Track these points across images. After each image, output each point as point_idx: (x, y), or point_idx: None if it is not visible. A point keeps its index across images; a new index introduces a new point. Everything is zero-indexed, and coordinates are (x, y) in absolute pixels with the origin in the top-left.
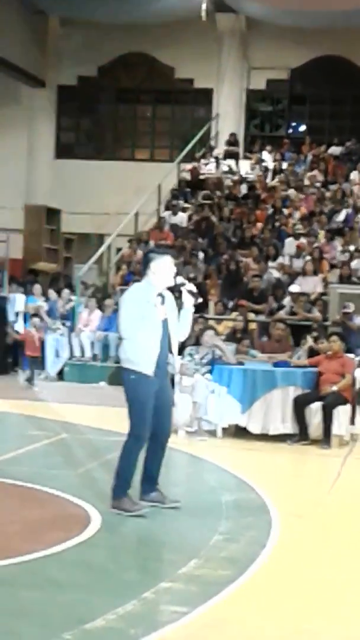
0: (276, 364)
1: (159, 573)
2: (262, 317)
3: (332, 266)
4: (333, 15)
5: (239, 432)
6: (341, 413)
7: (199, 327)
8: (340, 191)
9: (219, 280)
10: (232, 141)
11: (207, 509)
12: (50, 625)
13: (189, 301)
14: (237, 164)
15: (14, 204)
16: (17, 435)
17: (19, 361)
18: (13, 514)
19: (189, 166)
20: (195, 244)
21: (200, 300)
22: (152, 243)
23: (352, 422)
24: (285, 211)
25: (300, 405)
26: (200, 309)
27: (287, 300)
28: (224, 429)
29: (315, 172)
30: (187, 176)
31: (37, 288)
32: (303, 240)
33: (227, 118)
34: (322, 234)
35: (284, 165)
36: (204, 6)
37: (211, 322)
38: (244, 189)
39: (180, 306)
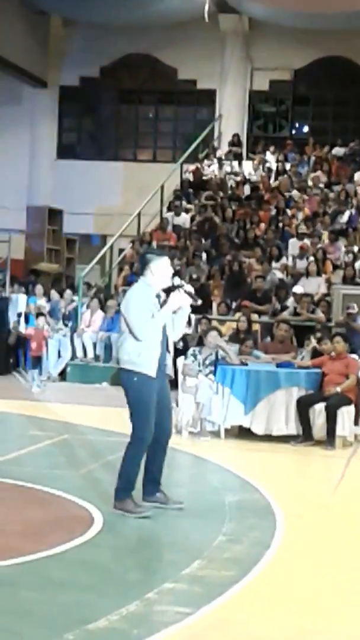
0: (280, 365)
1: (162, 574)
2: (265, 318)
3: (336, 267)
4: (336, 17)
5: (243, 432)
6: (345, 414)
7: (202, 328)
8: (344, 192)
9: (222, 281)
10: (235, 142)
11: (211, 509)
12: (53, 626)
13: (186, 302)
14: (240, 164)
15: (16, 205)
16: (19, 436)
17: (20, 362)
18: (15, 514)
19: (191, 167)
20: (198, 245)
21: (199, 301)
22: (154, 244)
23: (356, 423)
24: (289, 212)
25: (304, 406)
26: (203, 309)
27: (290, 301)
28: (227, 430)
29: (318, 173)
30: (190, 177)
31: (38, 289)
32: (306, 241)
33: (230, 119)
34: (325, 234)
35: (287, 166)
36: (206, 7)
37: (214, 323)
38: (247, 189)
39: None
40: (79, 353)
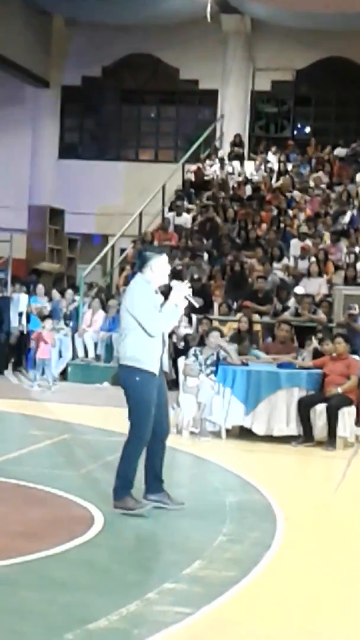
0: (281, 365)
1: (162, 574)
2: (266, 319)
3: (337, 267)
4: (338, 17)
5: (243, 433)
6: (346, 414)
7: (203, 328)
8: (346, 193)
9: (223, 281)
10: (237, 142)
11: (211, 510)
12: (53, 626)
13: (182, 300)
14: (241, 165)
15: (17, 204)
16: (19, 435)
17: (22, 361)
18: (16, 514)
19: (193, 167)
20: (199, 245)
21: (197, 305)
22: (156, 244)
23: (357, 423)
24: (290, 212)
25: (305, 407)
26: (204, 310)
27: (291, 302)
28: (228, 430)
29: (320, 173)
30: (192, 177)
31: (40, 288)
32: (308, 241)
33: (232, 119)
34: (327, 235)
35: (289, 167)
36: (209, 7)
37: (215, 324)
38: (248, 190)
39: None
40: (80, 353)
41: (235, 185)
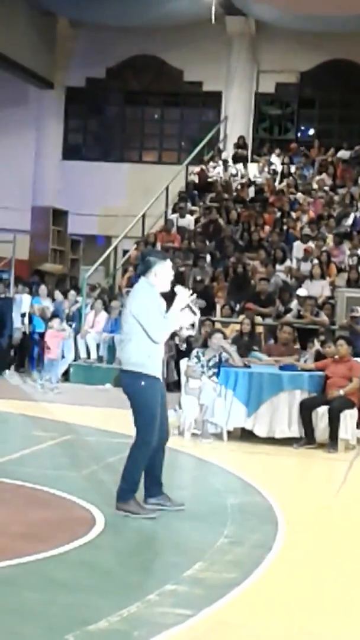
0: (283, 368)
1: (163, 575)
2: (269, 321)
3: (340, 270)
4: (343, 19)
5: (245, 435)
6: (348, 417)
7: (206, 330)
8: (349, 195)
9: (226, 283)
10: (241, 144)
11: (213, 511)
12: (54, 627)
13: (184, 308)
14: (245, 167)
15: (20, 205)
16: (22, 436)
17: (24, 362)
18: (18, 515)
19: (197, 169)
20: (202, 247)
21: (202, 305)
22: (159, 245)
23: (359, 426)
24: (294, 214)
25: (306, 409)
26: (207, 311)
27: (294, 304)
28: (229, 432)
29: (323, 175)
30: (195, 179)
31: (42, 289)
32: (311, 243)
33: (236, 121)
34: (330, 237)
35: (293, 169)
36: (213, 9)
37: (218, 325)
38: (252, 192)
39: None
40: (83, 354)
41: (239, 187)
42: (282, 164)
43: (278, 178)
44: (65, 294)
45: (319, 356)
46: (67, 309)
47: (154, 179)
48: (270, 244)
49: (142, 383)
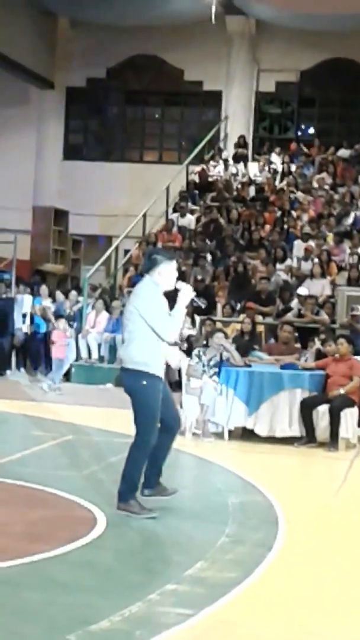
0: (283, 367)
1: (164, 575)
2: (269, 320)
3: (340, 269)
4: (343, 18)
5: (246, 434)
6: (348, 416)
7: (207, 329)
8: (349, 194)
9: (226, 282)
10: (241, 143)
11: (214, 510)
12: (55, 627)
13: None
14: (245, 166)
15: (21, 205)
16: (23, 436)
17: (26, 362)
18: (19, 514)
19: (197, 168)
20: (203, 246)
21: (205, 304)
22: (160, 245)
23: None
24: (294, 213)
25: (307, 408)
26: (208, 311)
27: (295, 303)
28: (230, 431)
29: (323, 174)
30: (196, 178)
31: (43, 289)
32: (311, 242)
33: (236, 120)
34: (330, 236)
35: (293, 168)
36: (213, 9)
37: (219, 325)
38: (252, 191)
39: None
40: (84, 354)
41: (239, 187)
42: (283, 163)
43: (278, 177)
44: (66, 294)
45: (319, 355)
46: (68, 309)
47: (155, 178)
48: (270, 243)
49: (144, 382)
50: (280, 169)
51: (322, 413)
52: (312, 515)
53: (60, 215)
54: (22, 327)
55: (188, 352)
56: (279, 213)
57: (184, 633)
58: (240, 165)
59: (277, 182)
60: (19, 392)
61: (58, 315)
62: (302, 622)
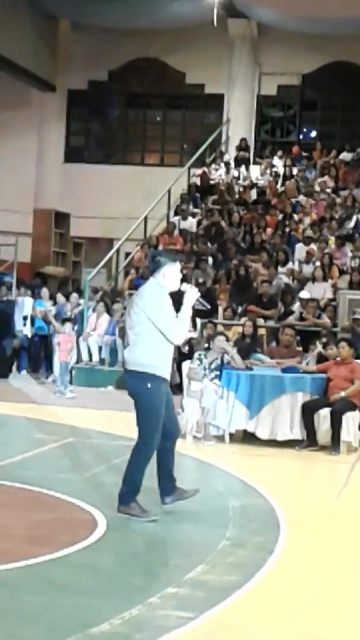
0: (285, 370)
1: (165, 578)
2: (271, 323)
3: (342, 272)
4: (344, 22)
5: (247, 437)
6: (350, 419)
7: (208, 332)
8: (351, 197)
9: (228, 285)
10: (243, 146)
11: (215, 514)
12: (55, 629)
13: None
14: (247, 169)
15: (22, 208)
16: (24, 439)
17: (27, 365)
18: (19, 517)
19: (199, 171)
20: (204, 249)
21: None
22: (161, 248)
23: None
24: (296, 217)
25: (308, 411)
26: (209, 314)
27: (296, 306)
28: (231, 435)
29: (325, 178)
30: (197, 181)
31: (44, 292)
32: (313, 246)
33: (238, 123)
34: (332, 240)
35: (295, 171)
36: (215, 12)
37: (220, 328)
38: (254, 194)
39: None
40: (85, 357)
41: (241, 190)
42: (284, 166)
43: (280, 180)
44: (67, 297)
45: (321, 358)
46: (69, 311)
47: (156, 181)
48: (272, 246)
49: (149, 385)
50: (282, 172)
51: (323, 416)
52: (314, 519)
53: (62, 218)
54: (22, 329)
55: (189, 355)
56: (280, 216)
57: (184, 636)
58: (242, 169)
59: (278, 185)
60: (20, 394)
61: (65, 318)
62: (303, 626)
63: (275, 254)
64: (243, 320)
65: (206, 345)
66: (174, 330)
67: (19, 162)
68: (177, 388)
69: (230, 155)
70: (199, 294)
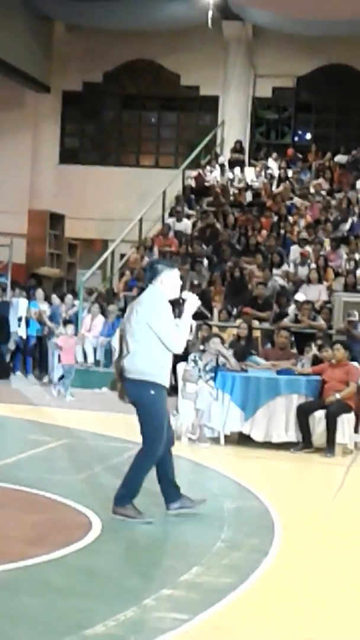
0: (280, 372)
1: (160, 580)
2: (266, 325)
3: (337, 274)
4: (339, 24)
5: (242, 439)
6: (345, 421)
7: (203, 334)
8: (346, 199)
9: (223, 287)
10: (238, 148)
11: (210, 516)
12: (50, 631)
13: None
14: (242, 171)
15: (17, 209)
16: (19, 440)
17: (20, 366)
18: (14, 518)
19: (194, 173)
20: (199, 251)
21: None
22: (156, 249)
23: (356, 430)
24: (291, 219)
25: (303, 413)
26: (204, 316)
27: (291, 308)
28: (226, 436)
29: (320, 180)
30: (192, 183)
31: (39, 293)
32: (308, 248)
33: (233, 125)
34: (327, 242)
35: (290, 173)
36: (210, 14)
37: (215, 330)
38: (249, 196)
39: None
40: (80, 358)
41: (236, 192)
42: (279, 168)
43: (275, 182)
44: (62, 298)
45: (316, 360)
46: (64, 312)
47: (151, 183)
48: (267, 248)
49: (152, 392)
50: (276, 174)
51: (318, 418)
52: (309, 521)
53: (56, 219)
54: (17, 330)
55: (184, 357)
56: (275, 218)
57: (179, 638)
58: (237, 171)
59: (273, 188)
60: (16, 396)
61: (66, 320)
62: (298, 628)
63: (270, 256)
64: (238, 322)
65: (201, 347)
66: (173, 339)
67: (13, 163)
68: (172, 390)
69: (225, 157)
70: (200, 302)
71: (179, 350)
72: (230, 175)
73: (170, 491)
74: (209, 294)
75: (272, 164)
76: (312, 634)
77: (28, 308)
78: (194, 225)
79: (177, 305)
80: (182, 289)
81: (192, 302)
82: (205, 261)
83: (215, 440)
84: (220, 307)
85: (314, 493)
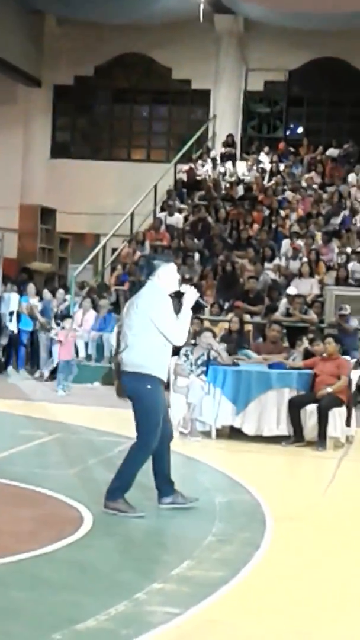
0: (271, 366)
1: (151, 574)
2: (257, 319)
3: (329, 268)
4: (331, 17)
5: (234, 433)
6: (336, 415)
7: (194, 329)
8: (338, 193)
9: (214, 281)
10: (229, 142)
11: (201, 510)
12: (41, 626)
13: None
14: (234, 165)
15: (8, 203)
16: (10, 435)
17: (11, 361)
18: (5, 513)
19: (185, 167)
20: (191, 245)
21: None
22: (147, 244)
23: (348, 424)
24: (282, 213)
25: (295, 407)
26: (195, 310)
27: (283, 302)
28: (218, 430)
29: (312, 174)
30: (184, 177)
31: (30, 287)
32: (299, 242)
33: (225, 119)
34: (318, 235)
35: (281, 167)
36: (202, 7)
37: (207, 324)
38: (240, 190)
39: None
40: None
41: (227, 186)
42: (271, 162)
43: (267, 176)
44: (53, 293)
45: (307, 354)
46: (56, 307)
47: (143, 177)
48: (259, 242)
49: (149, 386)
50: (268, 168)
51: (310, 412)
52: (300, 515)
53: (48, 214)
54: (9, 325)
55: (176, 351)
56: (267, 212)
57: (171, 632)
58: (229, 164)
59: (265, 181)
60: (8, 390)
61: (64, 315)
62: (290, 621)
63: (262, 249)
64: (229, 316)
65: (192, 341)
66: (175, 331)
67: (4, 158)
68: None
69: (217, 151)
70: (198, 294)
71: (180, 343)
72: (222, 169)
73: (165, 486)
74: (201, 288)
75: (264, 158)
76: (303, 628)
77: (19, 303)
78: (185, 219)
79: (176, 298)
80: (180, 282)
81: (191, 295)
82: (197, 255)
83: (207, 434)
84: (211, 301)
85: (305, 487)
